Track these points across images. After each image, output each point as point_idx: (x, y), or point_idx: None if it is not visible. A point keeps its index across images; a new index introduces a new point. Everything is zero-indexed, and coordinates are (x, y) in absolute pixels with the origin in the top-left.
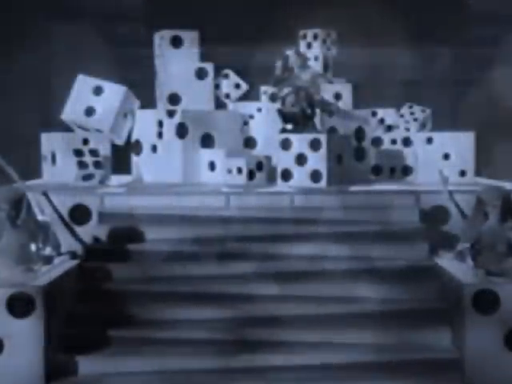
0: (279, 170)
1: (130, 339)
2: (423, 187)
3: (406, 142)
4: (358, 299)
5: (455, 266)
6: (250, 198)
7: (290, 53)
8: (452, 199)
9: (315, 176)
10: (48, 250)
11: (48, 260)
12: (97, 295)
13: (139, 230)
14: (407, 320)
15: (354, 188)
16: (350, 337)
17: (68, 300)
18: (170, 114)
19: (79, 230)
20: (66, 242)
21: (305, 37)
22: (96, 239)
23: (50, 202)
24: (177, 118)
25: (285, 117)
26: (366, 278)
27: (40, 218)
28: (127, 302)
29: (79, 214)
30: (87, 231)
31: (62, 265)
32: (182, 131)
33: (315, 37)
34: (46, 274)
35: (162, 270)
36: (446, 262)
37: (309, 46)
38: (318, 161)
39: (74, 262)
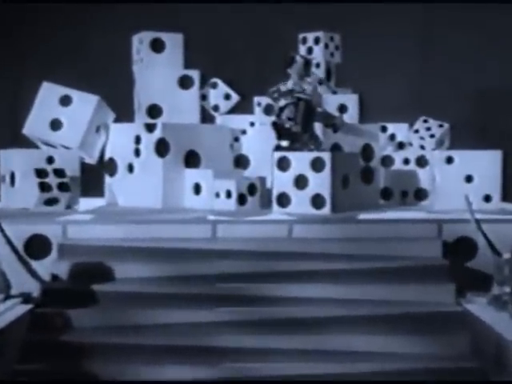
0: (275, 194)
1: None
2: (445, 215)
3: (421, 161)
4: (372, 355)
5: (491, 315)
6: (241, 228)
7: (298, 59)
8: (480, 229)
9: (317, 201)
10: None
11: None
12: (53, 349)
13: (108, 266)
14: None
15: (363, 216)
16: None
17: (15, 356)
18: (149, 128)
19: (36, 265)
20: (19, 281)
21: (305, 41)
22: (55, 277)
23: (1, 231)
24: (157, 133)
25: (280, 131)
26: (380, 328)
27: None
28: (90, 357)
29: (37, 247)
30: (45, 267)
31: (10, 311)
32: (162, 148)
33: (317, 41)
34: None
35: (134, 316)
36: (479, 308)
37: (309, 51)
38: (320, 183)
39: (27, 308)
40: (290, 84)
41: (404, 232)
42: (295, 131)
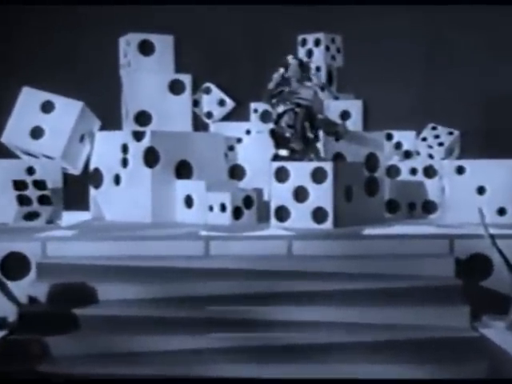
0: (273, 208)
1: None
2: (457, 230)
3: (429, 171)
4: None
5: (510, 340)
6: (236, 244)
7: (291, 61)
8: (495, 245)
9: (319, 215)
10: None
11: None
12: (29, 381)
13: (91, 287)
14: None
15: (368, 231)
16: None
17: None
18: (138, 136)
19: (12, 286)
20: None
21: (304, 43)
22: (33, 300)
23: None
24: (145, 142)
25: (279, 140)
26: (387, 355)
27: None
28: None
29: (13, 266)
30: (22, 289)
31: None
32: (151, 158)
33: (317, 43)
34: None
35: (120, 343)
36: (496, 333)
37: (309, 53)
38: (321, 196)
39: (0, 334)
40: (276, 79)
41: (412, 248)
42: (294, 140)
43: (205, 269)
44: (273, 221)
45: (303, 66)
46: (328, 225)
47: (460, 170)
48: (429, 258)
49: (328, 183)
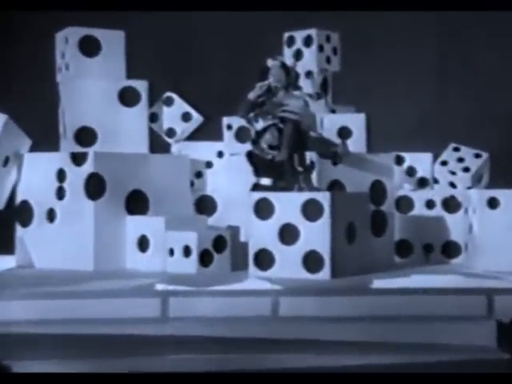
0: (252, 252)
1: None
2: (495, 282)
3: (451, 204)
4: None
5: None
6: (203, 302)
7: (271, 63)
8: None
9: (312, 261)
10: None
11: None
12: None
13: (6, 366)
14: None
15: (377, 282)
16: None
17: None
18: (77, 159)
19: None
20: None
21: (292, 41)
22: None
23: None
24: (87, 167)
25: (258, 165)
26: None
27: None
28: None
29: None
30: None
31: None
32: (95, 187)
33: (308, 42)
34: None
35: None
36: None
37: (298, 55)
38: (315, 236)
39: None
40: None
41: (437, 308)
42: (279, 165)
43: (161, 336)
44: (252, 269)
45: (286, 68)
46: (324, 274)
47: (492, 203)
48: (461, 321)
49: (324, 220)
